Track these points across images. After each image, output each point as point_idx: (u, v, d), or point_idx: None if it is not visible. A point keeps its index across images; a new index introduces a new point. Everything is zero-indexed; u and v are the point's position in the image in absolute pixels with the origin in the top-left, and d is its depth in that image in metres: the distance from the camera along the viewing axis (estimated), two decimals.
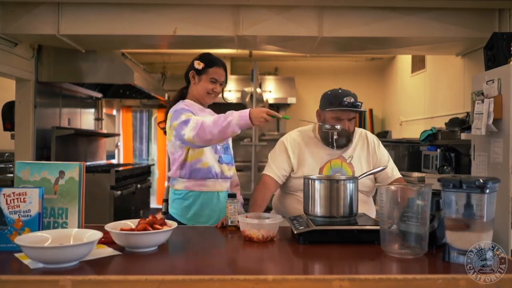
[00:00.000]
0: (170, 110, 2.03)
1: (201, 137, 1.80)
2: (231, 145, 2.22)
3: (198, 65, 2.04)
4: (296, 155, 2.12)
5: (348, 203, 1.66)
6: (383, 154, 2.20)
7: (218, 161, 2.08)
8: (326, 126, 1.96)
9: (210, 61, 2.06)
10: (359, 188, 1.94)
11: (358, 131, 2.23)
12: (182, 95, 2.16)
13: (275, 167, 2.11)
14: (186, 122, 1.87)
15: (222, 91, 2.16)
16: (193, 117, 1.89)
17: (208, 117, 1.86)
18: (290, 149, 2.14)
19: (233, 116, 1.77)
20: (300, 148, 2.14)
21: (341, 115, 2.04)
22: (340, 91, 2.07)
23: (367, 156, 2.16)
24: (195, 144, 1.86)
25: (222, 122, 1.77)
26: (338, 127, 1.94)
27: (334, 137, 2.00)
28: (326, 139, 2.09)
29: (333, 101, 2.03)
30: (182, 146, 2.00)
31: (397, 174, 2.19)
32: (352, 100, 2.00)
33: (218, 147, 2.08)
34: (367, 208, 2.10)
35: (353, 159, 2.12)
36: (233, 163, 2.20)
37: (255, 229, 1.56)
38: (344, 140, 2.08)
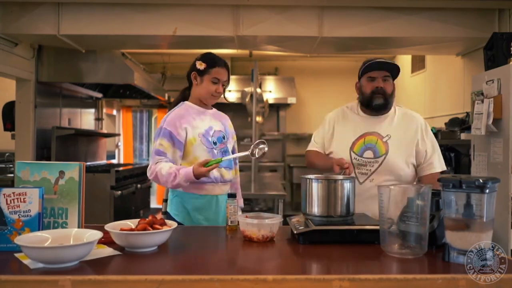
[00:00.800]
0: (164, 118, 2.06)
1: (156, 182, 1.99)
2: (230, 149, 2.17)
3: (200, 65, 2.02)
4: (331, 129, 2.13)
5: (345, 203, 1.66)
6: (428, 143, 2.07)
7: None
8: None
9: (212, 61, 2.03)
10: (399, 179, 1.97)
11: (403, 110, 2.15)
12: (184, 96, 2.13)
13: (315, 141, 2.18)
14: (153, 156, 1.98)
15: (224, 91, 2.12)
16: (155, 158, 1.96)
17: (164, 167, 1.91)
18: (327, 124, 2.16)
19: (180, 178, 1.88)
20: (338, 121, 2.14)
21: (373, 74, 2.02)
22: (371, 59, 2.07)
23: (410, 140, 2.04)
24: None
25: (172, 181, 1.90)
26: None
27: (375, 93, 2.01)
28: (366, 101, 2.06)
29: (366, 62, 2.04)
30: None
31: (440, 167, 2.06)
32: (383, 60, 1.99)
33: (215, 151, 2.04)
34: None
35: (390, 138, 2.03)
36: (233, 166, 2.15)
37: (255, 229, 1.56)
38: (382, 100, 2.02)
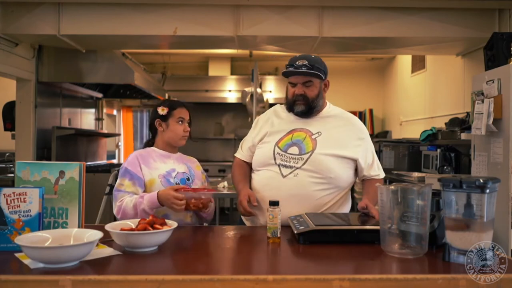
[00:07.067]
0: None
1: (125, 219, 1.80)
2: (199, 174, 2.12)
3: (162, 110, 2.01)
4: (260, 132, 2.05)
5: None
6: (368, 148, 2.01)
7: None
8: None
9: (171, 103, 2.05)
10: (329, 180, 1.88)
11: (339, 110, 2.08)
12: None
13: (242, 149, 2.10)
14: (116, 196, 1.91)
15: (190, 132, 2.10)
16: (118, 196, 1.90)
17: (128, 201, 1.86)
18: (258, 127, 2.09)
19: (144, 204, 1.82)
20: (267, 121, 2.07)
21: (293, 79, 1.95)
22: (298, 55, 1.97)
23: (345, 141, 1.96)
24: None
25: (137, 210, 1.83)
26: None
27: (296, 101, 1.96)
28: (289, 105, 2.01)
29: (287, 65, 1.95)
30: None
31: (379, 174, 2.04)
32: (305, 62, 1.89)
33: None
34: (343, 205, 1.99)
35: (321, 136, 1.94)
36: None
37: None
38: (303, 107, 1.95)
